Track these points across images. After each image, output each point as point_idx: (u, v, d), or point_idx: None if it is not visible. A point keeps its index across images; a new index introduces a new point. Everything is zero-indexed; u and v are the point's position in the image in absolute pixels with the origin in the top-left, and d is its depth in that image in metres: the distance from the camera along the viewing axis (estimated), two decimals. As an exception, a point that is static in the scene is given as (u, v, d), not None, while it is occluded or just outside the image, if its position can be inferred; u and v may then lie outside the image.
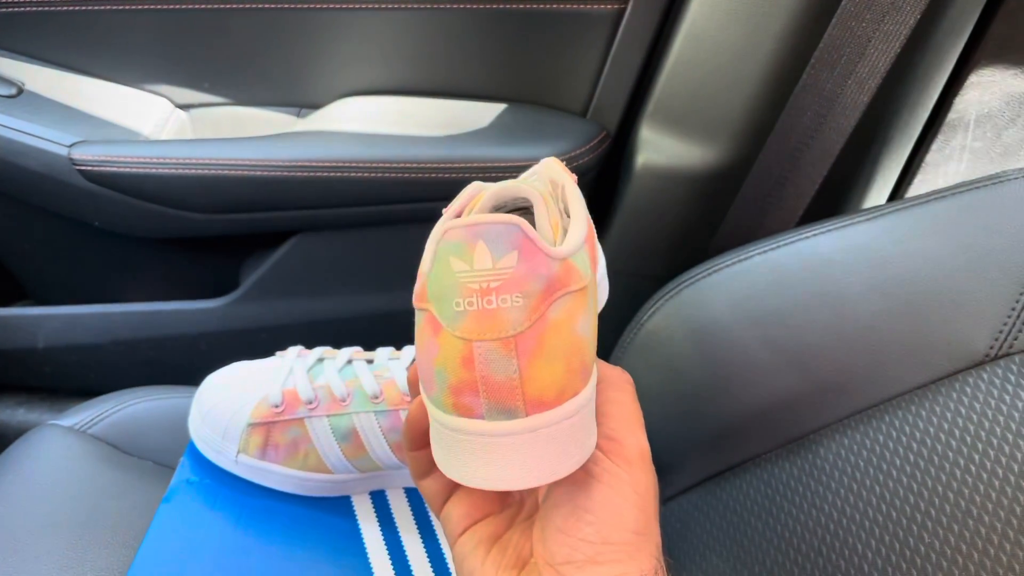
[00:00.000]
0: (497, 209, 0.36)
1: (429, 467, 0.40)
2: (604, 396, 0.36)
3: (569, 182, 0.38)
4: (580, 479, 0.34)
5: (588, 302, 0.33)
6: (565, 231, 0.35)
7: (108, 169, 0.87)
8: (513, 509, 0.39)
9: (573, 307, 0.32)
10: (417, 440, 0.39)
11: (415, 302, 0.33)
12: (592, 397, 0.34)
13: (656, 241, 0.87)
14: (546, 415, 0.31)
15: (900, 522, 0.44)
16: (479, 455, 0.32)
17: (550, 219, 0.34)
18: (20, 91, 0.94)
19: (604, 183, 0.95)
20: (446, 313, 0.31)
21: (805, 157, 0.69)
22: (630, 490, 0.34)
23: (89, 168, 0.87)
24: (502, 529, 0.38)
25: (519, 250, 0.30)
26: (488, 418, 0.31)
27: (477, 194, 0.36)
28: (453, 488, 0.40)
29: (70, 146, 0.87)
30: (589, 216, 0.38)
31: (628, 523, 0.33)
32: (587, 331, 0.33)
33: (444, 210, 0.36)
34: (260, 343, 0.96)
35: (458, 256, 0.30)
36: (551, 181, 0.39)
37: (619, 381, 0.38)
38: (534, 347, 0.31)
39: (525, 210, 0.38)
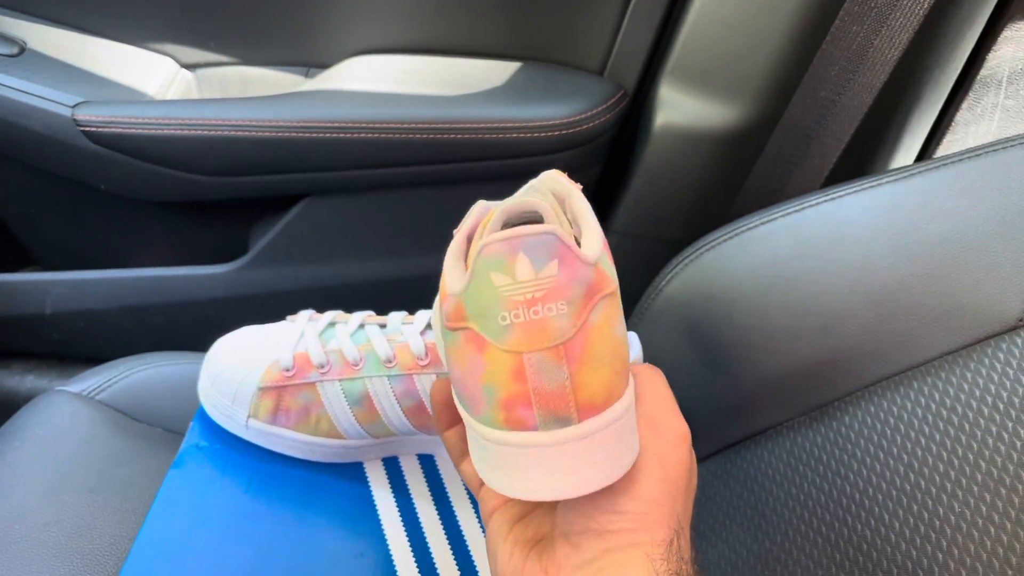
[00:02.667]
0: (508, 225, 0.36)
1: (467, 449, 0.42)
2: (639, 386, 0.37)
3: (575, 192, 0.38)
4: None
5: (619, 305, 0.34)
6: (577, 241, 0.35)
7: (112, 130, 0.85)
8: None
9: (610, 310, 0.33)
10: (447, 418, 0.41)
11: (448, 324, 0.33)
12: (633, 398, 0.35)
13: (675, 204, 0.86)
14: (597, 419, 0.32)
15: (929, 491, 0.43)
16: (535, 467, 0.32)
17: (564, 229, 0.35)
18: (22, 50, 0.92)
19: (621, 144, 0.93)
20: (491, 329, 0.31)
21: (832, 115, 0.68)
22: (654, 462, 0.34)
23: (93, 129, 0.85)
24: (529, 509, 0.38)
25: (559, 258, 0.31)
26: (542, 428, 0.32)
27: (486, 212, 0.36)
28: None
29: (73, 107, 0.86)
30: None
31: (645, 493, 0.33)
32: (623, 333, 0.34)
33: (455, 231, 0.37)
34: (269, 309, 0.96)
35: (499, 270, 0.31)
36: (552, 193, 0.39)
37: (650, 372, 0.39)
38: (581, 352, 0.31)
39: (532, 223, 0.38)
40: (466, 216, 0.37)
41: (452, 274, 0.34)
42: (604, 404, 0.32)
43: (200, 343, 0.71)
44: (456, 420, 0.42)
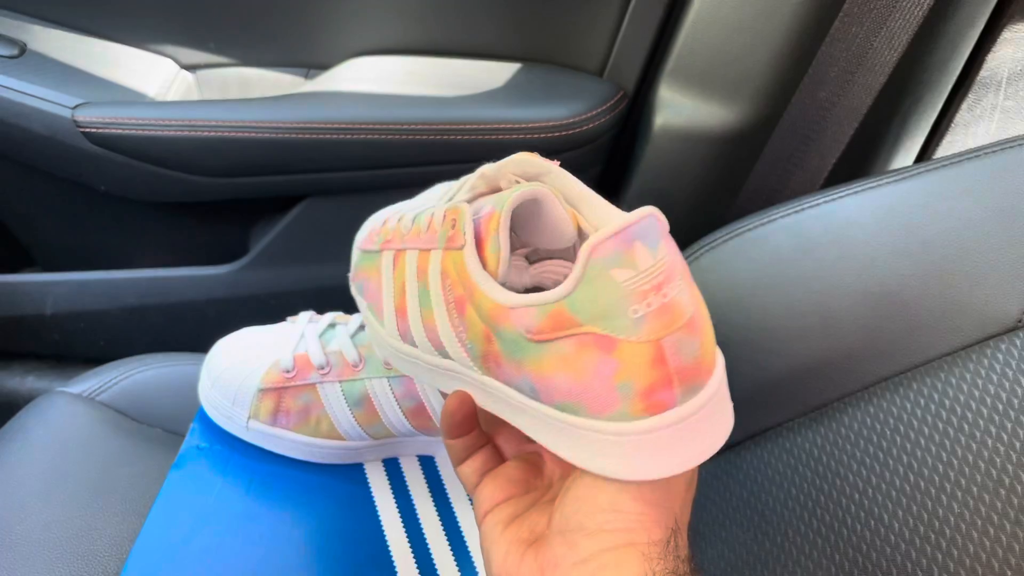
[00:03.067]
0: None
1: (467, 453, 0.42)
2: None
3: (554, 169, 0.38)
4: None
5: None
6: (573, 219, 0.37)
7: (112, 131, 0.85)
8: (538, 492, 0.40)
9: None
10: (455, 428, 0.41)
11: (539, 336, 0.32)
12: None
13: (674, 205, 0.86)
14: (716, 373, 0.33)
15: (929, 492, 0.43)
16: (679, 439, 0.32)
17: (565, 210, 0.36)
18: (23, 51, 0.92)
19: (621, 145, 0.93)
20: (621, 325, 0.30)
21: (831, 116, 0.68)
22: None
23: (93, 130, 0.85)
24: (521, 510, 0.38)
25: (663, 237, 0.31)
26: (681, 402, 0.32)
27: (491, 213, 0.36)
28: (486, 471, 0.41)
29: (73, 108, 0.86)
30: None
31: (644, 493, 0.33)
32: None
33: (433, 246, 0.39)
34: (269, 309, 0.96)
35: (619, 266, 0.30)
36: (520, 176, 0.39)
37: None
38: (702, 319, 0.32)
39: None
40: (467, 224, 0.36)
41: (494, 289, 0.33)
42: (715, 359, 0.33)
43: (200, 344, 0.71)
44: (469, 430, 0.42)
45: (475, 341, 0.35)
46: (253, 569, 0.53)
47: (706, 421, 0.32)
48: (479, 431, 0.42)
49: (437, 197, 0.45)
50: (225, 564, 0.53)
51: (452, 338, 0.37)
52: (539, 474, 0.41)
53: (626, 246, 0.30)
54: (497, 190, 0.39)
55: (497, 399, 0.37)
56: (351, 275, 0.49)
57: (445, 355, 0.39)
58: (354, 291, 0.48)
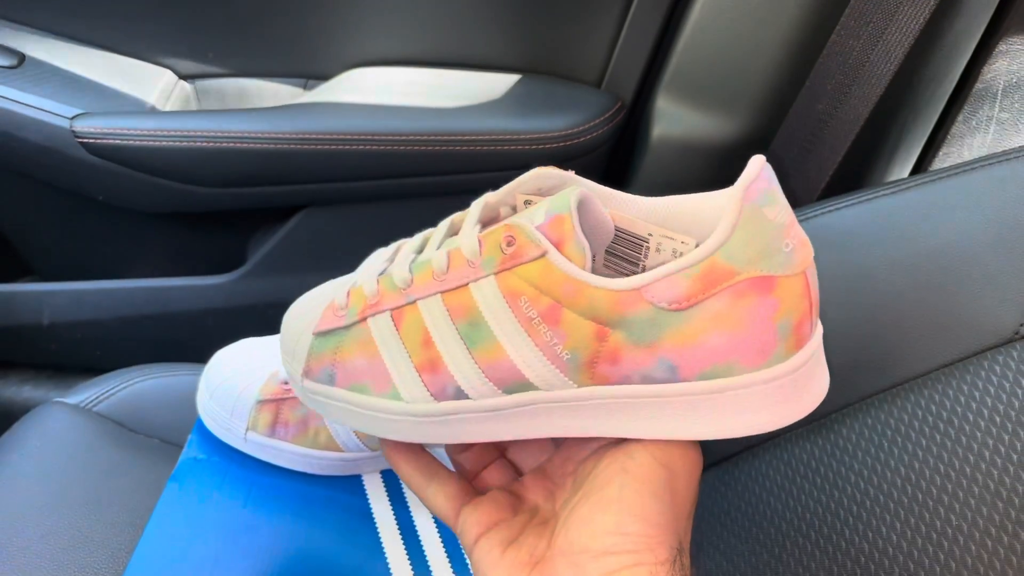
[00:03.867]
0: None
1: (428, 481, 0.41)
2: None
3: (572, 176, 0.38)
4: (615, 472, 0.34)
5: None
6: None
7: (111, 142, 0.85)
8: (526, 515, 0.39)
9: None
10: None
11: (685, 302, 0.32)
12: None
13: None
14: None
15: (926, 504, 0.43)
16: (810, 377, 0.34)
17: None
18: (21, 61, 0.92)
19: (619, 156, 0.93)
20: (777, 262, 0.31)
21: (829, 128, 0.68)
22: (665, 485, 0.33)
23: (91, 141, 0.85)
24: (515, 533, 0.37)
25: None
26: (814, 332, 0.33)
27: (558, 216, 0.34)
28: (465, 499, 0.40)
29: (72, 118, 0.86)
30: None
31: (649, 515, 0.33)
32: None
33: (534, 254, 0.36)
34: (268, 319, 0.95)
35: (769, 204, 0.31)
36: (538, 190, 0.38)
37: None
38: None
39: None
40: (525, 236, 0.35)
41: (605, 281, 0.32)
42: None
43: (199, 354, 0.71)
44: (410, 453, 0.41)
45: (578, 348, 0.34)
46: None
47: (822, 352, 0.34)
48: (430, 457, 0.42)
49: (380, 263, 0.42)
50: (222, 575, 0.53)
51: (538, 358, 0.35)
52: (521, 500, 0.40)
53: (769, 184, 0.31)
54: (498, 216, 0.39)
55: (591, 411, 0.36)
56: (301, 371, 0.41)
57: (519, 387, 0.36)
58: (309, 389, 0.41)
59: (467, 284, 0.35)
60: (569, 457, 0.40)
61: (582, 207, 0.34)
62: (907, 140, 0.78)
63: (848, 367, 0.50)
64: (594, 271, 0.34)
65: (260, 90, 1.02)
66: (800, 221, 0.56)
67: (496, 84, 0.93)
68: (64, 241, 1.04)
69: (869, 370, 0.49)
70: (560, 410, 0.36)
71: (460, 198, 0.90)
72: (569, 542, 0.34)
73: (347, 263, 0.94)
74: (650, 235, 0.36)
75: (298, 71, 1.01)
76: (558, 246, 0.33)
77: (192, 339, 1.01)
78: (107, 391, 0.72)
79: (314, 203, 0.93)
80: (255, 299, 0.99)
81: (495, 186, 0.91)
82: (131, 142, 0.85)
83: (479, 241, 0.35)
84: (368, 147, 0.85)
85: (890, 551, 0.43)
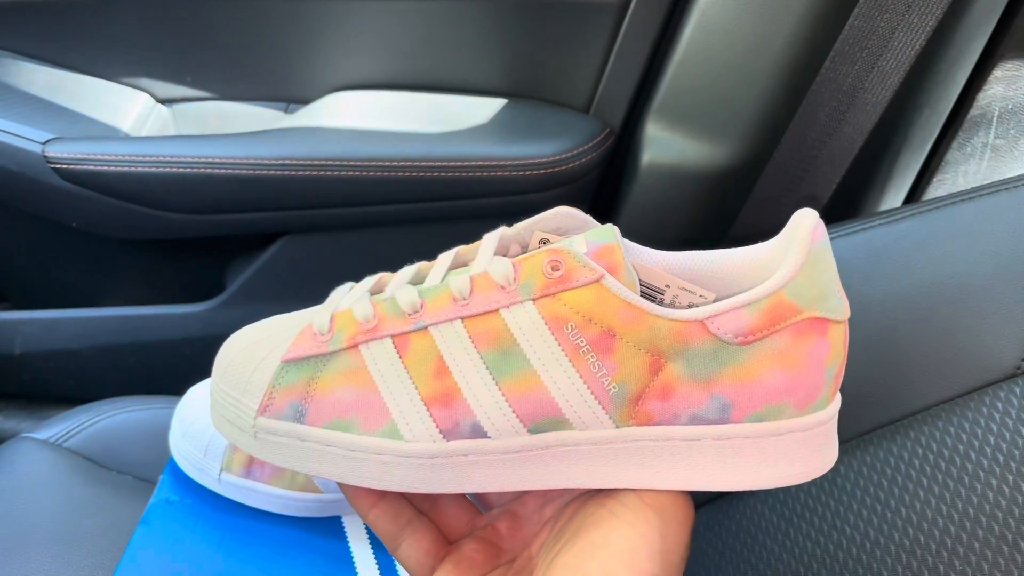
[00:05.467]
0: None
1: (401, 530, 0.38)
2: None
3: (593, 221, 0.37)
4: (602, 517, 0.33)
5: None
6: None
7: (85, 167, 0.84)
8: (503, 567, 0.37)
9: None
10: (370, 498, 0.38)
11: (766, 330, 0.32)
12: None
13: (661, 243, 0.85)
14: None
15: (928, 547, 0.41)
16: (835, 428, 0.35)
17: None
18: (-8, 84, 0.91)
19: (607, 182, 0.93)
20: (832, 305, 0.33)
21: (822, 156, 0.68)
22: (656, 539, 0.32)
23: (64, 166, 0.84)
24: None
25: None
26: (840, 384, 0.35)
27: (607, 245, 0.33)
28: (440, 553, 0.38)
29: (44, 143, 0.85)
30: None
31: (638, 563, 0.31)
32: None
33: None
34: (246, 349, 0.94)
35: (829, 251, 0.33)
36: (555, 230, 0.37)
37: None
38: None
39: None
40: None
41: (666, 310, 0.32)
42: None
43: (175, 384, 0.69)
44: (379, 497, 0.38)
45: (628, 380, 0.32)
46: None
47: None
48: (404, 502, 0.39)
49: (347, 294, 0.39)
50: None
51: (580, 391, 0.33)
52: (497, 550, 0.38)
53: (826, 233, 0.33)
54: (507, 252, 0.38)
55: (624, 457, 0.34)
56: (257, 406, 0.36)
57: (549, 425, 0.34)
58: (264, 428, 0.36)
59: (497, 310, 0.33)
60: (545, 502, 0.39)
61: None
62: (901, 167, 0.77)
63: (845, 403, 0.48)
64: None
65: (240, 114, 1.01)
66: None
67: (482, 108, 0.93)
68: (37, 268, 1.02)
69: (867, 406, 0.48)
70: (589, 455, 0.34)
71: (444, 224, 0.90)
72: None
73: (328, 291, 0.92)
74: (667, 286, 0.36)
75: (279, 95, 1.01)
76: (611, 273, 0.32)
77: (168, 369, 0.99)
78: (78, 425, 0.71)
79: (294, 230, 0.92)
80: (233, 328, 0.97)
81: (479, 213, 0.90)
82: (105, 168, 0.84)
83: (513, 266, 0.33)
84: (350, 173, 0.84)
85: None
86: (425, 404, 0.34)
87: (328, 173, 0.84)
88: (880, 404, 0.47)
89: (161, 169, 0.84)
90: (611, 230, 0.33)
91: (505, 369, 0.33)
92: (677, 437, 0.33)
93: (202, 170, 0.84)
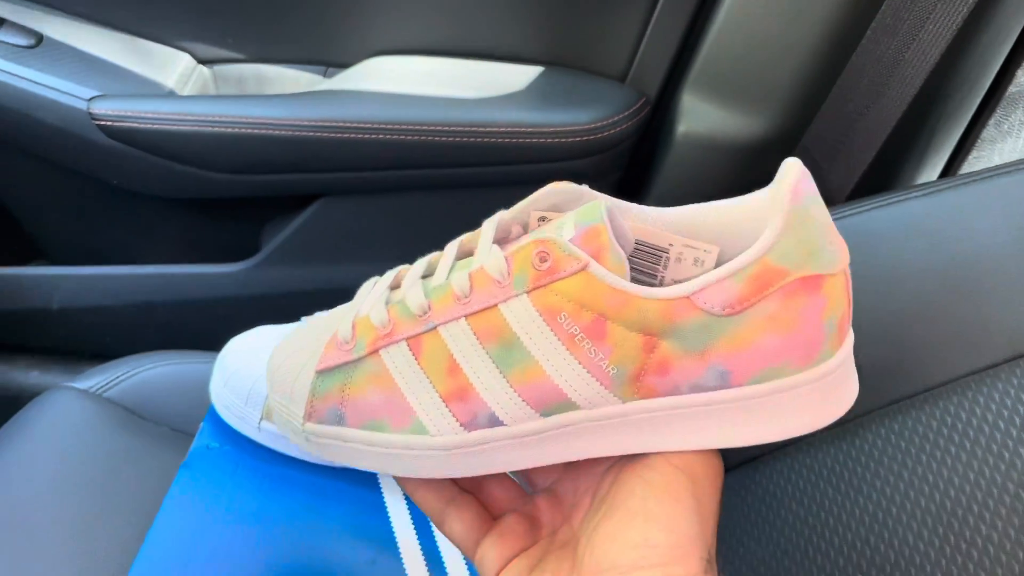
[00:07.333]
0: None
1: (445, 506, 0.40)
2: None
3: (588, 190, 0.37)
4: (636, 486, 0.33)
5: None
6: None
7: (128, 125, 0.85)
8: (546, 540, 0.38)
9: None
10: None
11: (735, 308, 0.32)
12: None
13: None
14: None
15: (955, 513, 0.42)
16: (849, 372, 0.35)
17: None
18: (39, 41, 0.91)
19: (641, 152, 0.93)
20: (824, 259, 0.32)
21: (859, 128, 0.67)
22: (689, 495, 0.33)
23: (108, 123, 0.85)
24: (537, 560, 0.37)
25: None
26: (850, 331, 0.34)
27: (593, 227, 0.34)
28: (483, 526, 0.39)
29: (89, 100, 0.85)
30: None
31: (675, 525, 0.32)
32: None
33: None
34: (280, 309, 0.95)
35: (814, 205, 0.32)
36: (553, 207, 0.37)
37: None
38: None
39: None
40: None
41: (652, 290, 0.32)
42: None
43: (209, 342, 0.70)
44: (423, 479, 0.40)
45: (624, 362, 0.33)
46: (262, 572, 0.52)
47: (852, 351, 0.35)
48: (448, 482, 0.40)
49: (380, 291, 0.40)
50: (234, 565, 0.52)
51: (581, 375, 0.34)
52: (538, 524, 0.39)
53: (811, 185, 0.32)
54: (509, 236, 0.38)
55: (636, 427, 0.35)
56: (303, 414, 0.39)
57: (559, 408, 0.35)
58: (314, 432, 0.39)
59: (496, 305, 0.34)
60: (581, 475, 0.40)
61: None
62: (937, 143, 0.77)
63: (875, 371, 0.49)
64: None
65: (279, 77, 1.01)
66: (829, 221, 0.56)
67: (519, 76, 0.92)
68: (76, 225, 1.03)
69: (897, 375, 0.48)
70: (603, 428, 0.35)
71: (478, 191, 0.90)
72: (596, 561, 0.33)
73: (363, 254, 0.93)
74: (671, 245, 0.36)
75: (318, 58, 1.01)
76: (596, 258, 0.32)
77: (203, 328, 1.00)
78: (117, 377, 0.72)
79: (331, 192, 0.92)
80: (268, 288, 0.99)
81: (515, 179, 0.91)
82: (149, 125, 0.85)
83: (506, 260, 0.34)
84: (387, 136, 0.84)
85: (917, 559, 0.42)
86: (444, 401, 0.36)
87: (366, 136, 0.84)
88: (910, 373, 0.47)
89: (203, 128, 0.85)
90: (597, 208, 0.33)
91: (510, 362, 0.34)
92: (684, 405, 0.34)
93: (243, 130, 0.85)
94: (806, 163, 0.31)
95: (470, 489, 0.41)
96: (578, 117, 0.85)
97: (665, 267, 0.36)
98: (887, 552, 0.44)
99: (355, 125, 0.84)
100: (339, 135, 0.84)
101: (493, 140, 0.84)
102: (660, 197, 0.85)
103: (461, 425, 0.36)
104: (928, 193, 0.52)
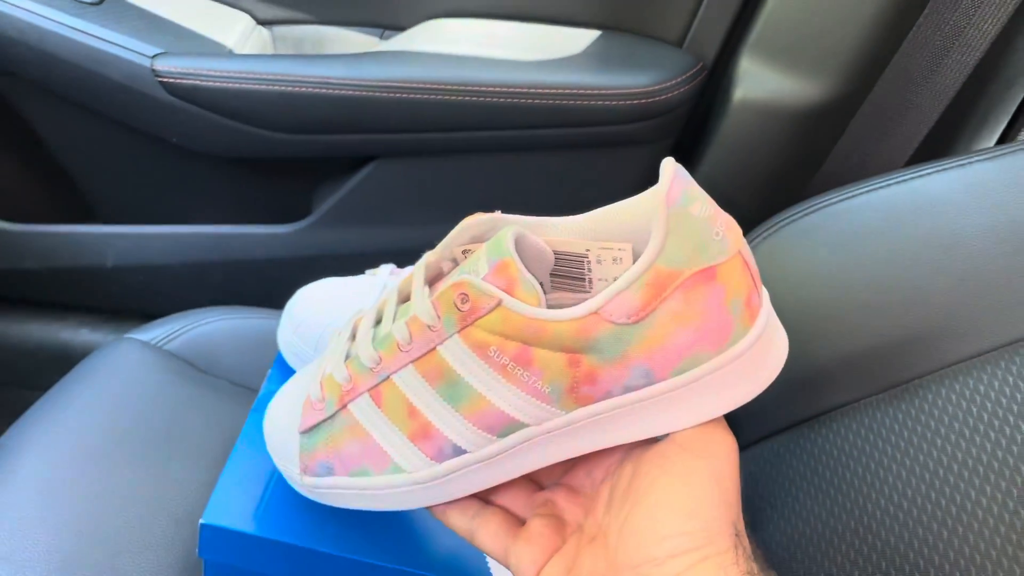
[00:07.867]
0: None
1: (471, 520, 0.42)
2: None
3: (501, 215, 0.39)
4: (656, 477, 0.35)
5: None
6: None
7: (190, 82, 0.86)
8: (575, 538, 0.39)
9: None
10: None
11: (654, 302, 0.33)
12: None
13: (749, 181, 0.85)
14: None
15: (1018, 468, 0.42)
16: (772, 338, 0.36)
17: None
18: (103, -1, 0.92)
19: (695, 118, 0.93)
20: (713, 250, 0.33)
21: (921, 93, 0.67)
22: (709, 479, 0.34)
23: (171, 80, 0.86)
24: (571, 560, 0.38)
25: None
26: (763, 301, 0.36)
27: (501, 262, 0.36)
28: (510, 533, 0.41)
29: (153, 57, 0.86)
30: None
31: (701, 509, 0.33)
32: None
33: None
34: (331, 271, 0.96)
35: (691, 202, 0.32)
36: (472, 239, 0.40)
37: None
38: None
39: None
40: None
41: (563, 313, 0.34)
42: None
43: (260, 302, 0.71)
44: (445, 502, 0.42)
45: (556, 379, 0.35)
46: (333, 510, 0.52)
47: (774, 314, 0.37)
48: (470, 498, 0.42)
49: (343, 344, 0.44)
50: (305, 505, 0.53)
51: (522, 398, 0.37)
52: (563, 523, 0.40)
53: (686, 183, 0.33)
54: (441, 272, 0.41)
55: (585, 432, 0.37)
56: (298, 470, 0.44)
57: (512, 429, 0.38)
58: (311, 485, 0.44)
59: (435, 348, 0.37)
60: (594, 466, 0.41)
61: (519, 244, 0.36)
62: (996, 111, 0.76)
63: (933, 334, 0.49)
64: (545, 296, 0.35)
65: (337, 38, 1.02)
66: (889, 186, 0.56)
67: (576, 39, 0.92)
68: (130, 184, 1.04)
69: (954, 337, 0.48)
70: (558, 438, 0.38)
71: (534, 154, 0.90)
72: (629, 556, 0.34)
73: (415, 217, 0.93)
74: (588, 250, 0.38)
75: (375, 21, 1.01)
76: (509, 291, 0.35)
77: (254, 288, 1.02)
78: (177, 330, 0.73)
79: (385, 154, 0.93)
80: (320, 250, 0.99)
81: (570, 142, 0.90)
82: (211, 83, 0.86)
83: (433, 305, 0.37)
84: (444, 97, 0.84)
85: (980, 514, 0.43)
86: (411, 440, 0.39)
87: (423, 96, 0.84)
88: (968, 336, 0.47)
89: (263, 87, 0.85)
90: (503, 241, 0.35)
91: (458, 397, 0.37)
92: (622, 404, 0.36)
93: (301, 89, 0.85)
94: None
95: (490, 500, 0.43)
96: (635, 81, 0.85)
97: (590, 270, 0.38)
98: (948, 507, 0.45)
99: (412, 85, 0.84)
100: (396, 95, 0.84)
101: (550, 102, 0.84)
102: (715, 162, 0.85)
103: (430, 459, 0.39)
104: (992, 156, 0.52)
